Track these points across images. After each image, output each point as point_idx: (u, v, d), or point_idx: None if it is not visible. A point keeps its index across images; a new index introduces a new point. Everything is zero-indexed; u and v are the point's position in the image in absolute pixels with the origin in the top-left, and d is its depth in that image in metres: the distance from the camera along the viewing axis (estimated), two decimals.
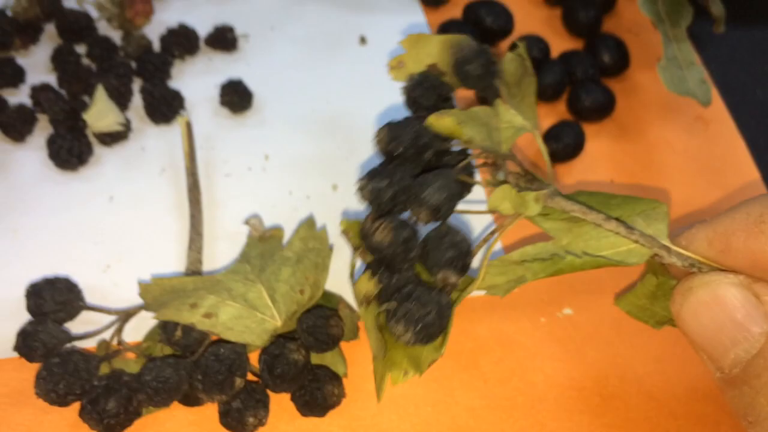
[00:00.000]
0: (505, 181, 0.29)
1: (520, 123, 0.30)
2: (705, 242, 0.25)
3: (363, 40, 0.44)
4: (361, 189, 0.28)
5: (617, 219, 0.28)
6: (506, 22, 0.44)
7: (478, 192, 0.37)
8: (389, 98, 0.42)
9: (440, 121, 0.28)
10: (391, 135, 0.28)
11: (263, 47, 0.43)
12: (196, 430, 0.30)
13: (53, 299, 0.30)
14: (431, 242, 0.28)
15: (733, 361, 0.23)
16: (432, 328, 0.27)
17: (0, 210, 0.36)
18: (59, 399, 0.28)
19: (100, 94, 0.37)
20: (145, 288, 0.31)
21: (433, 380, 0.32)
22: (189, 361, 0.29)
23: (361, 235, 0.28)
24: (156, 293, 0.31)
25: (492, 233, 0.29)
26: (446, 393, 0.32)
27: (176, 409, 0.31)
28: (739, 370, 0.23)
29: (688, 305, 0.24)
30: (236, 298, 0.30)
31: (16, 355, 0.31)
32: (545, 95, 0.42)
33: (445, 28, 0.44)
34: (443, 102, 0.31)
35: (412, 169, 0.28)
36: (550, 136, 0.40)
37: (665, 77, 0.39)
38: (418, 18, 0.46)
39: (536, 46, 0.43)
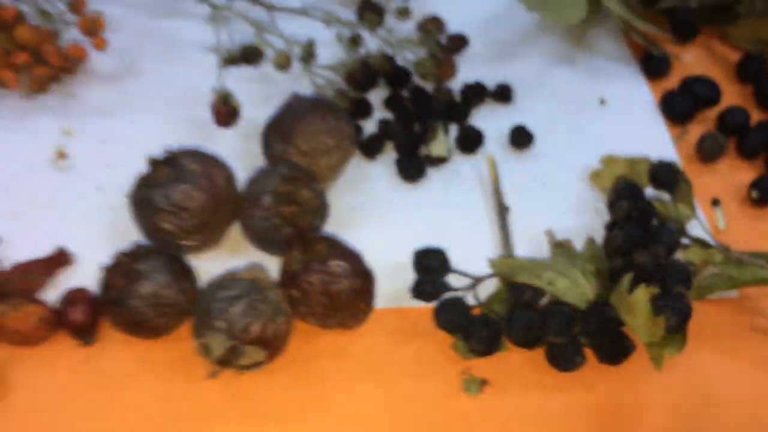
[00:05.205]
0: None
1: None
2: None
3: (602, 102, 0.59)
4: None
5: None
6: (715, 93, 0.58)
7: None
8: (623, 149, 0.55)
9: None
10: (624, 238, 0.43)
11: (530, 101, 0.58)
12: (530, 367, 0.44)
13: (436, 261, 0.45)
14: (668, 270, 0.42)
15: None
16: (685, 324, 0.40)
17: (366, 208, 0.51)
18: (452, 328, 0.43)
19: (440, 130, 0.51)
20: (495, 263, 0.45)
21: None
22: (539, 313, 0.43)
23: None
24: (503, 268, 0.45)
25: None
26: None
27: (512, 351, 0.44)
28: None
29: None
30: (563, 275, 0.44)
31: (395, 306, 0.46)
32: (748, 154, 0.55)
33: (666, 96, 0.58)
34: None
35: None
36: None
37: None
38: (643, 86, 0.60)
39: (742, 115, 0.56)
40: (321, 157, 0.47)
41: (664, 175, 0.48)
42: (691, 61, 0.62)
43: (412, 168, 0.51)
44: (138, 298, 0.40)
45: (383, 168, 0.53)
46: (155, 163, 0.43)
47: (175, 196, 0.42)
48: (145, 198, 0.42)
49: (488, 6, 0.64)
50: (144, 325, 0.40)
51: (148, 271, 0.40)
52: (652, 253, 0.42)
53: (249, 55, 0.50)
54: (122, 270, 0.40)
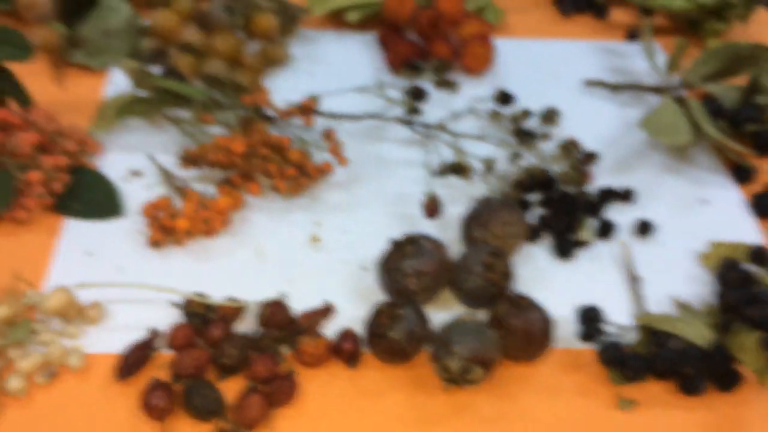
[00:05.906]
0: None
1: None
2: None
3: (704, 202, 0.76)
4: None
5: None
6: None
7: None
8: (722, 237, 0.72)
9: None
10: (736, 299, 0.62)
11: (648, 201, 0.76)
12: (664, 392, 0.60)
13: (596, 314, 0.62)
14: None
15: None
16: None
17: (533, 277, 0.69)
18: (611, 361, 0.60)
19: (588, 225, 0.70)
20: (640, 317, 0.62)
21: None
22: (676, 352, 0.59)
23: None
24: (646, 320, 0.62)
25: None
26: None
27: (648, 381, 0.61)
28: None
29: None
30: (690, 325, 0.61)
31: (560, 347, 0.63)
32: None
33: (755, 197, 0.75)
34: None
35: None
36: None
37: None
38: (735, 190, 0.77)
39: None
40: (509, 239, 0.66)
41: (762, 255, 0.65)
42: None
43: (566, 249, 0.70)
44: (398, 332, 0.58)
45: (542, 249, 0.71)
46: (401, 243, 0.63)
47: (419, 265, 0.61)
48: (397, 266, 0.62)
49: (610, 130, 0.84)
50: (401, 352, 0.59)
51: (405, 314, 0.59)
52: (758, 308, 0.58)
53: (457, 169, 0.70)
54: (386, 314, 0.59)
